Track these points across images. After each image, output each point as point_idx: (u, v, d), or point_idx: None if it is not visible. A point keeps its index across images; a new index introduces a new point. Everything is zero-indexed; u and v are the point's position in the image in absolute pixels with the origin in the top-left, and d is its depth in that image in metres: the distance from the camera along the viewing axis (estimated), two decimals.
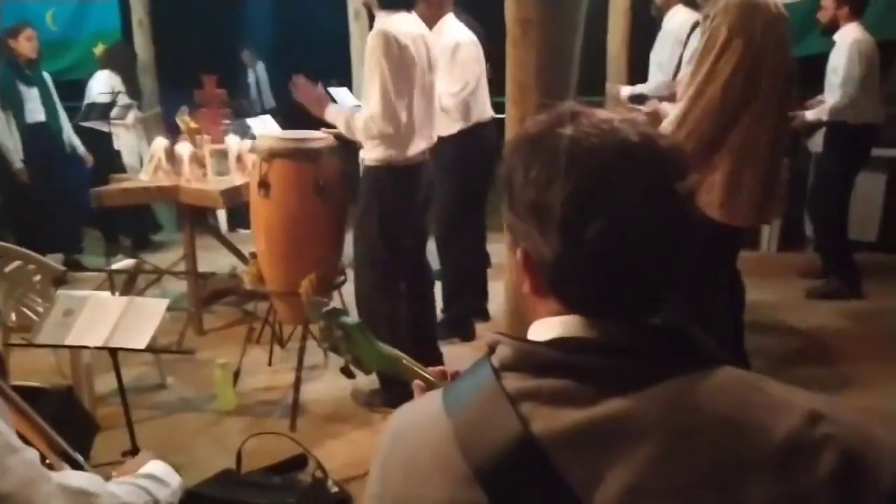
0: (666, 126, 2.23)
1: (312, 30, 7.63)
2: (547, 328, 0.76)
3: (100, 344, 1.81)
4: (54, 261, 4.93)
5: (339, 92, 4.02)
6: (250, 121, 3.57)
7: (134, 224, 5.33)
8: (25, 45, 4.64)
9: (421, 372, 1.34)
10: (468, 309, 3.79)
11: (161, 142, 3.88)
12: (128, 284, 2.14)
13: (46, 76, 4.90)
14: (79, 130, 5.05)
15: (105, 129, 4.93)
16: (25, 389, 2.13)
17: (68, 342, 1.82)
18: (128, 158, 5.21)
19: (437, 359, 3.23)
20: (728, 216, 2.33)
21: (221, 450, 2.73)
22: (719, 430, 0.67)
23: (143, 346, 1.81)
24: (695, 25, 3.90)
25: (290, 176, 2.83)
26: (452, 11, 3.55)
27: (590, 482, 0.67)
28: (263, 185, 2.84)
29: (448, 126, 3.49)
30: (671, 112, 2.34)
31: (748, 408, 0.68)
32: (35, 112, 4.75)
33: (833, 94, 3.90)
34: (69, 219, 4.94)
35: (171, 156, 3.72)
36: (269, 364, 3.48)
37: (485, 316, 3.93)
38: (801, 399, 0.70)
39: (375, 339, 1.43)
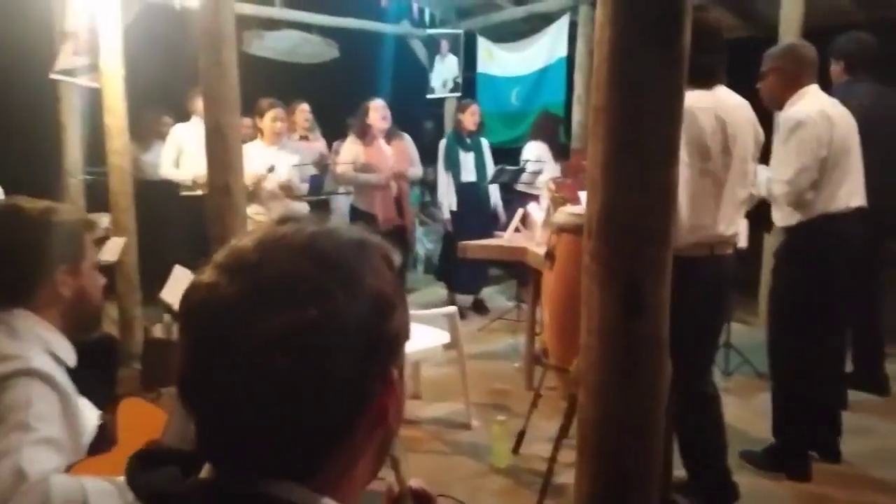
0: None
1: None
2: None
3: None
4: (463, 301, 5.86)
5: None
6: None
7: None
8: (469, 118, 5.62)
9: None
10: (803, 440, 3.08)
11: (531, 208, 4.24)
12: None
13: (485, 143, 5.80)
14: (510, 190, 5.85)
15: (535, 192, 5.62)
16: None
17: None
18: None
19: None
20: None
21: (470, 501, 2.87)
22: None
23: None
24: None
25: (572, 249, 2.83)
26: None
27: None
28: (549, 256, 2.91)
29: (784, 216, 2.95)
30: None
31: None
32: (468, 173, 5.68)
33: None
34: (478, 264, 5.71)
35: (527, 220, 4.04)
36: (567, 436, 3.45)
37: (832, 456, 3.14)
38: None
39: None
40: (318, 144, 5.75)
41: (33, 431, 1.24)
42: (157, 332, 4.33)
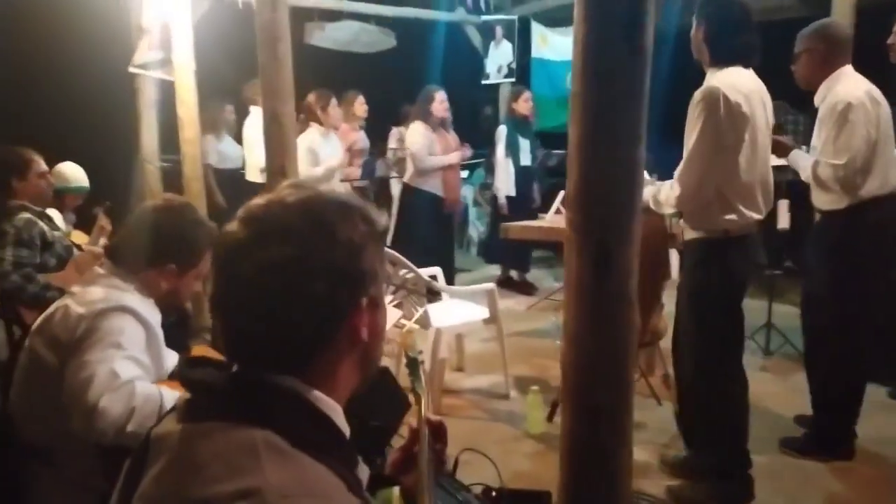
0: None
1: None
2: None
3: None
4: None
5: None
6: None
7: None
8: (523, 105, 5.80)
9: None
10: (838, 425, 3.12)
11: None
12: None
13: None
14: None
15: None
16: None
17: None
18: None
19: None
20: None
21: (501, 461, 3.06)
22: (187, 469, 0.82)
23: None
24: None
25: None
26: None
27: (141, 479, 0.88)
28: None
29: (831, 200, 2.97)
30: None
31: (216, 463, 0.80)
32: (524, 159, 5.87)
33: None
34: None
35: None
36: None
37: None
38: (256, 479, 0.76)
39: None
40: (360, 134, 6.11)
41: (124, 350, 1.59)
42: None
